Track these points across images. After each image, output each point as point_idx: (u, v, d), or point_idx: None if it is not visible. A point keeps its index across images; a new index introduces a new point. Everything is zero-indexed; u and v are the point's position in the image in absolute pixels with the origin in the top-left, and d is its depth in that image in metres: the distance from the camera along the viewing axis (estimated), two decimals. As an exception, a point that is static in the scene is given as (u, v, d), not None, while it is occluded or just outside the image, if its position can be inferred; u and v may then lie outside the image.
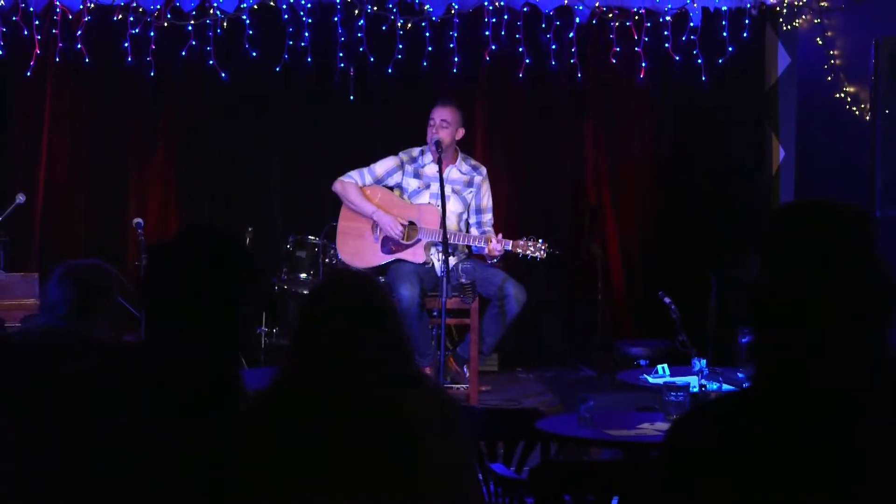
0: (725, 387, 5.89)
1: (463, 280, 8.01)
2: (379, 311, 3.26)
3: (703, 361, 6.71)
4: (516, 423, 5.95)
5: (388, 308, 3.30)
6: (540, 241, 8.22)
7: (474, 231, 8.55)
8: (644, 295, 9.92)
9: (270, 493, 3.13)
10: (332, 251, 8.81)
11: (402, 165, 8.62)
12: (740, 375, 6.58)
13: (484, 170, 8.74)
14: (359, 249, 8.52)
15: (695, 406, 2.61)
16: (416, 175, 8.60)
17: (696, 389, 5.78)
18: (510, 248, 8.18)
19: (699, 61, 10.00)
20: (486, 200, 8.68)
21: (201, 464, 3.19)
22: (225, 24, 9.63)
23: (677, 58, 10.01)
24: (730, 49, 10.00)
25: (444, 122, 8.39)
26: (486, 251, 8.21)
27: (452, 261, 8.04)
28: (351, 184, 8.57)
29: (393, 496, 3.10)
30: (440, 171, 8.00)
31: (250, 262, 3.48)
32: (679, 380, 6.09)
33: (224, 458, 3.18)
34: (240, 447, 3.18)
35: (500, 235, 8.23)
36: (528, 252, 8.19)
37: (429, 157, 8.58)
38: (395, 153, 8.81)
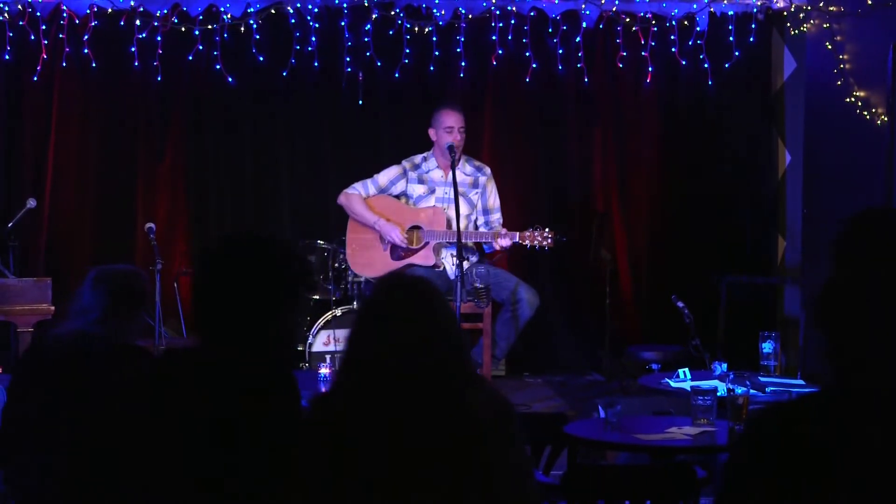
0: (752, 391, 5.87)
1: (477, 284, 8.01)
2: (437, 313, 3.26)
3: (724, 365, 6.71)
4: (543, 427, 5.95)
5: (445, 310, 3.30)
6: (546, 230, 8.23)
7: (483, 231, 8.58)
8: (652, 300, 9.95)
9: (333, 493, 3.13)
10: (341, 256, 8.81)
11: (405, 173, 8.64)
12: (762, 379, 6.59)
13: (488, 170, 8.76)
14: (369, 259, 8.53)
15: (772, 405, 2.60)
16: (421, 181, 8.62)
17: (723, 393, 5.76)
18: (517, 239, 8.19)
19: (706, 66, 10.00)
20: (493, 200, 8.70)
21: (263, 463, 3.19)
22: (236, 28, 9.61)
23: (684, 62, 10.02)
24: (736, 53, 10.00)
25: (461, 129, 8.43)
26: (495, 246, 8.24)
27: (465, 265, 8.04)
28: (355, 195, 8.60)
29: (455, 496, 3.10)
30: (454, 176, 8.00)
31: (302, 266, 3.49)
32: (704, 384, 6.07)
33: (286, 458, 3.18)
34: (302, 448, 3.18)
35: (504, 230, 8.26)
36: (534, 242, 8.21)
37: (433, 163, 8.61)
38: (402, 157, 8.84)
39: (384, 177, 8.65)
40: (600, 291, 9.52)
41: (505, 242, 8.19)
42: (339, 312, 8.63)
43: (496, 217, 8.67)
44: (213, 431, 3.21)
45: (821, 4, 9.77)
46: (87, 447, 4.18)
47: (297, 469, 3.17)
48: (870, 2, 9.15)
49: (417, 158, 8.69)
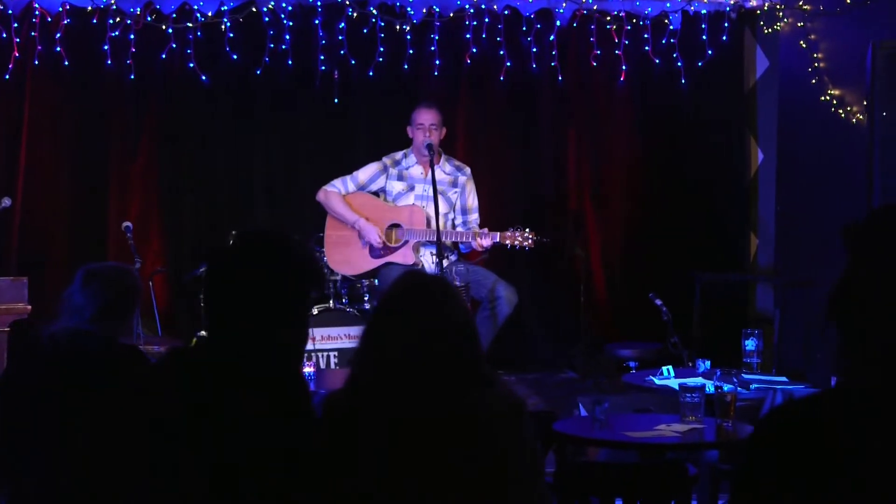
0: (740, 389, 5.90)
1: (457, 282, 8.00)
2: (454, 312, 3.26)
3: (707, 363, 6.74)
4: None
5: (461, 308, 3.29)
6: (527, 230, 8.25)
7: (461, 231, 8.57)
8: (626, 297, 9.97)
9: (345, 492, 3.12)
10: (317, 254, 8.78)
11: (385, 170, 8.63)
12: (746, 376, 6.62)
13: (468, 170, 8.77)
14: (348, 256, 8.52)
15: (783, 404, 2.59)
16: (401, 178, 8.61)
17: (711, 391, 5.78)
18: (498, 240, 8.20)
19: (679, 64, 10.06)
20: (472, 200, 8.71)
21: (274, 464, 3.17)
22: (210, 27, 9.56)
23: (657, 61, 10.05)
24: (709, 52, 10.06)
25: (433, 126, 8.43)
26: (475, 246, 8.24)
27: (444, 263, 8.04)
28: (333, 193, 8.59)
29: (467, 495, 3.10)
30: (433, 174, 8.00)
31: (314, 264, 3.47)
32: (690, 381, 6.09)
33: (298, 457, 3.17)
34: (316, 447, 3.17)
35: (485, 229, 8.27)
36: (515, 243, 8.23)
37: (412, 160, 8.61)
38: (377, 155, 8.85)
39: (364, 174, 8.64)
40: (574, 289, 9.54)
41: (486, 242, 8.20)
42: (315, 311, 8.59)
43: (474, 217, 8.68)
44: (223, 431, 3.18)
45: (800, 3, 9.80)
46: (89, 447, 4.16)
47: (310, 468, 3.16)
48: (848, 0, 9.20)
49: (398, 155, 8.69)
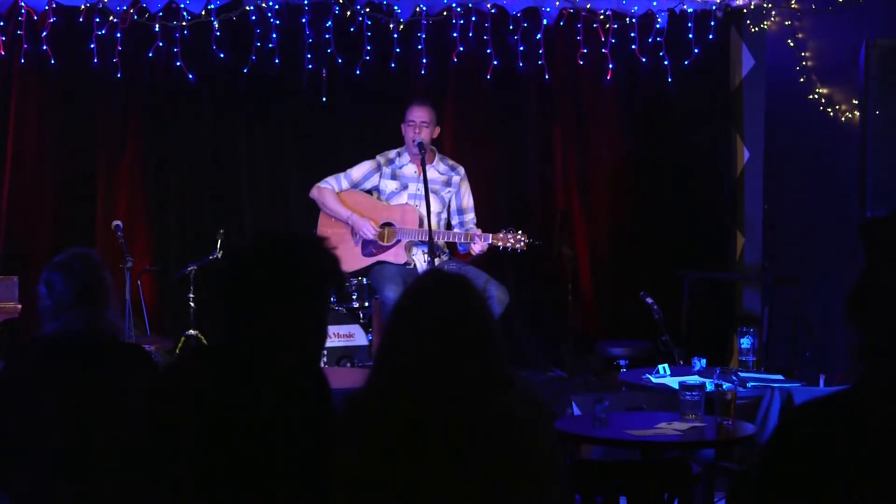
0: (740, 388, 5.93)
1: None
2: (475, 313, 3.24)
3: (703, 361, 6.77)
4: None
5: (484, 309, 3.28)
6: (519, 232, 8.25)
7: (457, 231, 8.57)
8: (613, 296, 9.98)
9: (366, 491, 3.11)
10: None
11: (379, 168, 8.61)
12: (742, 374, 6.65)
13: (462, 169, 8.75)
14: (340, 254, 8.46)
15: (803, 405, 2.59)
16: (394, 177, 8.59)
17: (711, 388, 5.80)
18: (490, 241, 8.20)
19: (665, 63, 10.06)
20: (467, 200, 8.69)
21: (297, 462, 3.17)
22: (196, 25, 9.53)
23: (644, 59, 10.07)
24: (695, 51, 10.07)
25: (423, 123, 8.41)
26: (469, 249, 8.25)
27: (436, 262, 8.03)
28: (327, 189, 8.56)
29: (489, 496, 3.09)
30: (424, 172, 7.99)
31: (333, 263, 3.47)
32: (688, 379, 6.10)
33: (320, 456, 3.16)
34: (337, 446, 3.16)
35: (479, 230, 8.27)
36: (507, 244, 8.22)
37: (406, 159, 8.58)
38: (364, 154, 8.81)
39: (357, 171, 8.61)
40: (562, 288, 9.55)
41: (477, 248, 8.21)
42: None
43: (470, 217, 8.67)
44: (245, 430, 3.18)
45: (791, 1, 9.83)
46: (99, 447, 4.14)
47: (332, 467, 3.15)
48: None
49: (391, 153, 8.66)
